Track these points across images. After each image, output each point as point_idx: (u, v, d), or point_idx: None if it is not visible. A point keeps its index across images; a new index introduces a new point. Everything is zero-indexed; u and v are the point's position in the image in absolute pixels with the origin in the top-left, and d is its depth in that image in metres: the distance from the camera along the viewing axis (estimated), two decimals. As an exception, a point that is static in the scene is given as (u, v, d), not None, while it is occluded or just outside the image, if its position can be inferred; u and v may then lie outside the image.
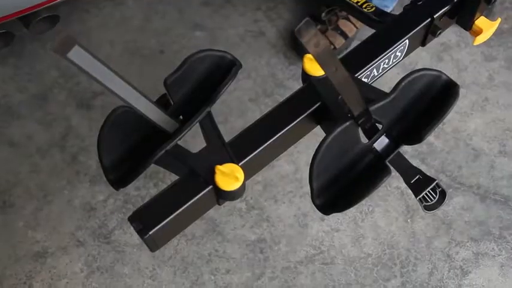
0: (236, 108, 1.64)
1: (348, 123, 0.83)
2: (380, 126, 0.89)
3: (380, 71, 1.00)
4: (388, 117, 0.88)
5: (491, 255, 1.45)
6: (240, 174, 0.82)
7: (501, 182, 1.55)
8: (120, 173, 0.89)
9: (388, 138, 0.91)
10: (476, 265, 1.44)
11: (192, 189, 0.83)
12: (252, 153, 0.87)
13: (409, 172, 0.91)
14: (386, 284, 1.42)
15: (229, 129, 1.53)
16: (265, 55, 1.74)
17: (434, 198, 0.92)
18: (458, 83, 0.88)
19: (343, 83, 0.77)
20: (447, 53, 1.74)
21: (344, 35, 1.69)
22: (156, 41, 1.77)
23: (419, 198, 0.91)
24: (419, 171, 0.91)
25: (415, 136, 0.89)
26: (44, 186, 1.54)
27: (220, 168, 0.82)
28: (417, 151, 1.56)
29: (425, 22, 1.02)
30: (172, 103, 0.91)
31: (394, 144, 0.91)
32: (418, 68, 0.88)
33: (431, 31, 1.05)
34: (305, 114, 0.90)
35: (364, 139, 0.89)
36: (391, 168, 0.87)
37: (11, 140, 1.60)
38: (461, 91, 0.90)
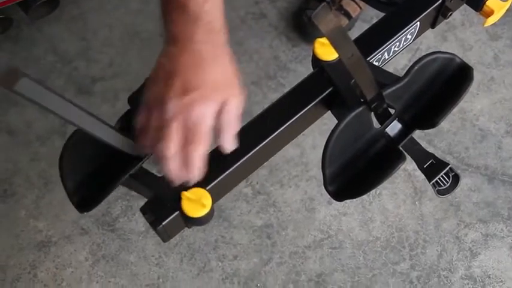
0: (239, 92, 1.60)
1: (361, 108, 0.82)
2: (392, 111, 0.88)
3: (391, 54, 0.98)
4: (401, 102, 0.86)
5: (500, 236, 1.44)
6: (207, 201, 0.77)
7: (509, 163, 1.53)
8: (85, 196, 0.82)
9: (400, 123, 0.89)
10: (485, 246, 1.43)
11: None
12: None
13: (422, 157, 0.89)
14: (395, 267, 1.41)
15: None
16: (267, 37, 1.71)
17: (448, 182, 0.91)
18: (464, 63, 0.86)
19: (358, 67, 0.75)
20: (451, 32, 1.71)
21: (348, 15, 1.65)
22: (155, 24, 1.73)
23: (433, 183, 0.90)
24: (433, 156, 0.90)
25: (429, 121, 0.87)
26: (44, 174, 1.51)
27: (186, 195, 0.77)
28: (424, 132, 1.54)
29: (437, 3, 0.99)
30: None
31: (407, 129, 0.89)
32: (430, 52, 0.86)
33: (442, 13, 1.02)
34: (317, 99, 0.88)
35: (376, 125, 0.88)
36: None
37: (9, 128, 1.58)
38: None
